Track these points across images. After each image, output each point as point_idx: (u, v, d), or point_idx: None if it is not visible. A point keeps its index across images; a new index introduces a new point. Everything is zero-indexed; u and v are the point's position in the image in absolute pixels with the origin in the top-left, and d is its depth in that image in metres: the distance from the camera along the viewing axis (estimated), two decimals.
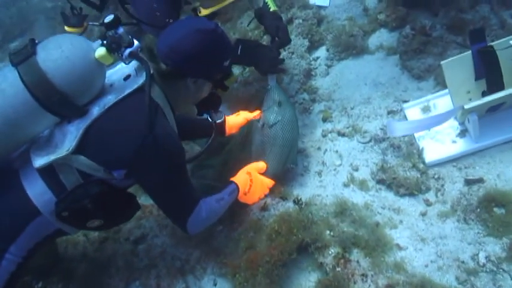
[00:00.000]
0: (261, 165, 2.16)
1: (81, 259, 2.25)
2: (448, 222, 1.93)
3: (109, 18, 1.56)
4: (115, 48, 1.57)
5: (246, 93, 2.78)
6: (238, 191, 1.97)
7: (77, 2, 2.54)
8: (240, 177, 2.03)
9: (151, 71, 1.67)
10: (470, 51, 2.05)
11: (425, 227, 1.94)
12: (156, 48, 1.72)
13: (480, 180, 1.98)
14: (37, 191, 1.61)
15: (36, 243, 1.69)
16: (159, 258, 2.18)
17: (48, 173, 1.59)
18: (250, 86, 2.83)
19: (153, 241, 2.26)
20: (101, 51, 1.54)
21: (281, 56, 2.34)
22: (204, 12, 2.03)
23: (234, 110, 2.52)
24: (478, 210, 1.87)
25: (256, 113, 2.32)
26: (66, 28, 2.21)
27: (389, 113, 2.41)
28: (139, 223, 2.35)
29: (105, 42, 1.57)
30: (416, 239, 1.90)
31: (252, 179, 2.05)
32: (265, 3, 2.34)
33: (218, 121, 2.21)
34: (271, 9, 2.32)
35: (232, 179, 2.01)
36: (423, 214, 1.98)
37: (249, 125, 2.38)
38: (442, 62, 2.11)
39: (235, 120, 2.34)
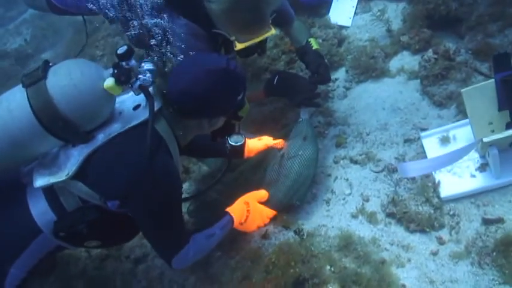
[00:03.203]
0: (263, 193, 2.09)
1: (81, 276, 2.23)
2: (461, 264, 1.77)
3: (122, 49, 1.53)
4: (124, 81, 1.53)
5: (260, 115, 2.71)
6: (233, 222, 1.89)
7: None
8: (236, 208, 1.95)
9: (160, 105, 1.65)
10: (493, 80, 1.90)
11: (436, 268, 1.79)
12: (168, 89, 1.68)
13: (499, 221, 1.81)
14: (39, 210, 1.62)
15: (39, 259, 1.71)
16: (157, 280, 2.14)
17: (51, 193, 1.62)
18: (264, 107, 2.76)
19: (153, 262, 2.22)
20: (109, 82, 1.51)
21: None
22: (239, 46, 2.01)
23: (247, 130, 2.46)
24: (494, 254, 1.71)
25: (279, 141, 2.28)
26: None
27: (406, 141, 2.27)
28: (141, 242, 2.30)
29: (116, 71, 1.53)
30: (424, 280, 1.76)
31: (249, 209, 1.96)
32: (308, 42, 2.38)
33: (238, 144, 2.16)
34: (313, 48, 2.35)
35: (228, 209, 1.93)
36: (434, 253, 1.84)
37: (267, 151, 2.32)
38: (462, 90, 1.96)
39: (255, 144, 2.28)
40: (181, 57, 1.76)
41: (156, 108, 1.61)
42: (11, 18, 5.36)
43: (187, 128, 1.78)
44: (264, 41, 2.19)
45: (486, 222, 1.84)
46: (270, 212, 2.08)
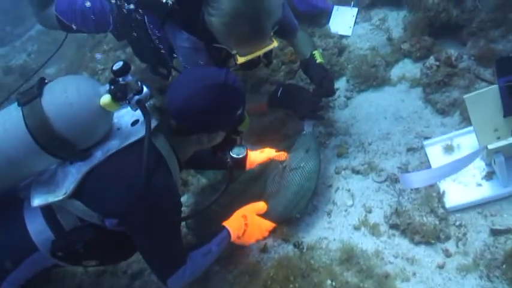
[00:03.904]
0: (261, 205, 2.03)
1: None
2: (469, 278, 1.69)
3: (118, 65, 1.49)
4: (120, 98, 1.49)
5: (260, 125, 2.67)
6: (230, 237, 1.84)
7: None
8: (234, 221, 1.89)
9: (158, 121, 1.62)
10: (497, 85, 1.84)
11: (442, 282, 1.72)
12: (166, 104, 1.65)
13: (508, 231, 1.74)
14: (37, 228, 1.59)
15: (34, 274, 1.67)
16: None
17: (48, 211, 1.58)
18: (264, 118, 2.71)
19: (149, 278, 2.15)
20: (105, 99, 1.47)
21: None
22: (240, 60, 1.99)
23: (247, 142, 2.42)
24: (504, 266, 1.63)
25: (281, 153, 2.24)
26: None
27: (408, 150, 2.21)
28: (139, 257, 2.21)
29: (112, 88, 1.49)
30: None
31: (247, 223, 1.90)
32: (312, 55, 2.34)
33: (240, 156, 2.13)
34: (317, 61, 2.32)
35: (225, 223, 1.88)
36: (440, 266, 1.76)
37: (267, 162, 2.28)
38: (465, 96, 1.90)
39: (257, 156, 2.25)
40: None
41: (154, 124, 1.57)
42: (18, 35, 5.42)
43: (186, 143, 1.75)
44: (269, 53, 2.17)
45: (494, 233, 1.76)
46: (269, 225, 2.01)
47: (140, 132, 1.57)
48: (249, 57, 1.99)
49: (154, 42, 2.37)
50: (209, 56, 2.15)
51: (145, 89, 1.56)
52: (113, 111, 1.55)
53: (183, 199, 2.41)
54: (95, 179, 1.52)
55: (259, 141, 2.44)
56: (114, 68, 1.48)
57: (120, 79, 1.49)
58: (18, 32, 5.45)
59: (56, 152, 1.48)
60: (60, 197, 1.49)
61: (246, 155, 2.16)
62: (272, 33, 1.99)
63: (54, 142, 1.45)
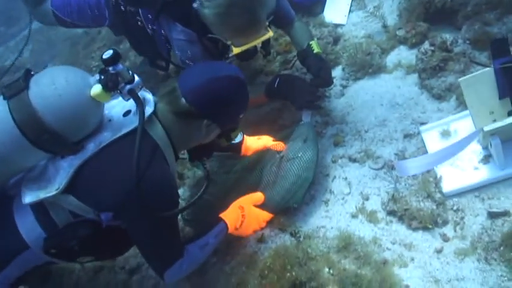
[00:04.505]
0: (258, 196, 2.02)
1: None
2: (467, 261, 1.68)
3: (108, 53, 1.45)
4: (111, 87, 1.46)
5: (256, 115, 2.65)
6: (227, 229, 1.82)
7: None
8: (231, 213, 1.88)
9: (153, 110, 1.59)
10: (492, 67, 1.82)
11: (441, 267, 1.70)
12: (178, 84, 1.64)
13: (505, 214, 1.72)
14: (27, 226, 1.55)
15: (24, 272, 1.65)
16: None
17: (39, 208, 1.54)
18: (260, 108, 2.69)
19: (147, 272, 2.15)
20: (96, 90, 1.44)
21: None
22: (235, 50, 1.98)
23: (244, 132, 2.41)
24: (502, 248, 1.62)
25: (278, 142, 2.23)
26: None
27: (405, 136, 2.19)
28: (136, 251, 2.21)
29: (102, 78, 1.46)
30: (429, 280, 1.67)
31: (244, 214, 1.89)
32: (309, 45, 2.33)
33: (236, 141, 2.12)
34: (314, 51, 2.30)
35: (221, 214, 1.86)
36: (438, 251, 1.75)
37: (263, 151, 2.27)
38: (460, 79, 1.88)
39: (253, 143, 2.24)
40: None
41: (148, 113, 1.54)
42: (12, 35, 5.41)
43: (185, 131, 1.69)
44: (267, 43, 2.16)
45: (492, 215, 1.74)
46: (266, 216, 2.00)
47: (133, 122, 1.53)
48: (245, 47, 1.98)
49: (150, 35, 2.35)
50: (204, 48, 2.13)
51: (136, 78, 1.52)
52: (104, 102, 1.52)
53: (179, 192, 2.40)
54: (88, 172, 1.49)
55: (255, 132, 2.42)
56: (104, 56, 1.44)
57: (111, 68, 1.45)
58: (12, 32, 5.43)
59: (47, 146, 1.44)
60: (53, 193, 1.46)
61: (242, 139, 2.15)
62: (268, 23, 1.97)
63: (44, 136, 1.40)
